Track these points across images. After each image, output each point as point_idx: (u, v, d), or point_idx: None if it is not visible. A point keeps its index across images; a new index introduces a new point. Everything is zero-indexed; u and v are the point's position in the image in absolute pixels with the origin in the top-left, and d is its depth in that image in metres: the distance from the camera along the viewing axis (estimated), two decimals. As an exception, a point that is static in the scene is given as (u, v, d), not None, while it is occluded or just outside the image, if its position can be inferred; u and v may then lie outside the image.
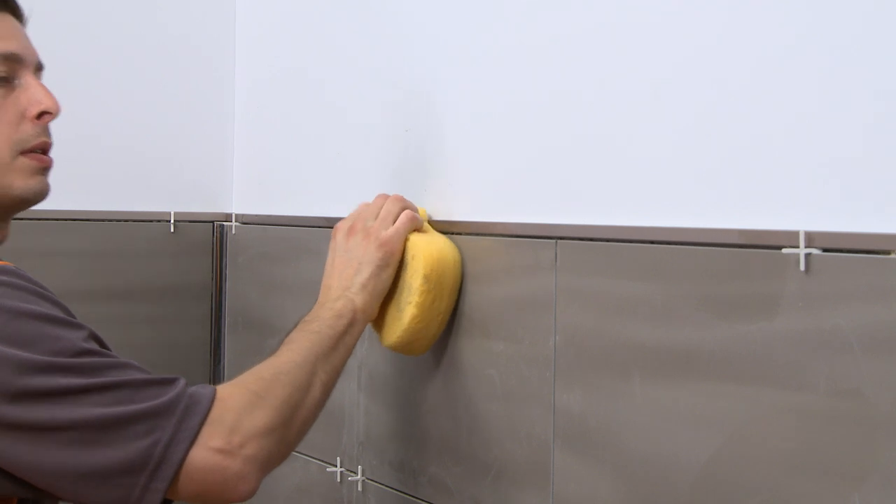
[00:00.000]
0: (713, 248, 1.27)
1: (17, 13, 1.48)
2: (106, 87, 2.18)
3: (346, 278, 1.60)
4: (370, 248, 1.61)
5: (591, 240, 1.42)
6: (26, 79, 1.45)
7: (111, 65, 2.22)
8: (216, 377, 2.30)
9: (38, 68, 1.48)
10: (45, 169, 1.46)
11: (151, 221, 2.28)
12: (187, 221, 2.30)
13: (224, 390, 1.37)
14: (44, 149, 1.46)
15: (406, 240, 1.63)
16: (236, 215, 2.29)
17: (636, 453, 1.34)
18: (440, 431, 1.66)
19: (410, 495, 1.72)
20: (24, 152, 1.44)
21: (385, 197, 1.67)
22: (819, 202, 1.17)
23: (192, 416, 1.32)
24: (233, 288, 2.29)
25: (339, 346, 1.53)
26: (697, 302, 1.27)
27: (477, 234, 1.62)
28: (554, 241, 1.46)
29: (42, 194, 1.47)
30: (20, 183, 1.44)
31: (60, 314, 1.34)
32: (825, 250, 1.15)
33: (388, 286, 1.62)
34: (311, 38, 2.09)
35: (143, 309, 2.26)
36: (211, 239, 2.31)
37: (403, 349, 1.65)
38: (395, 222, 1.63)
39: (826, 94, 1.17)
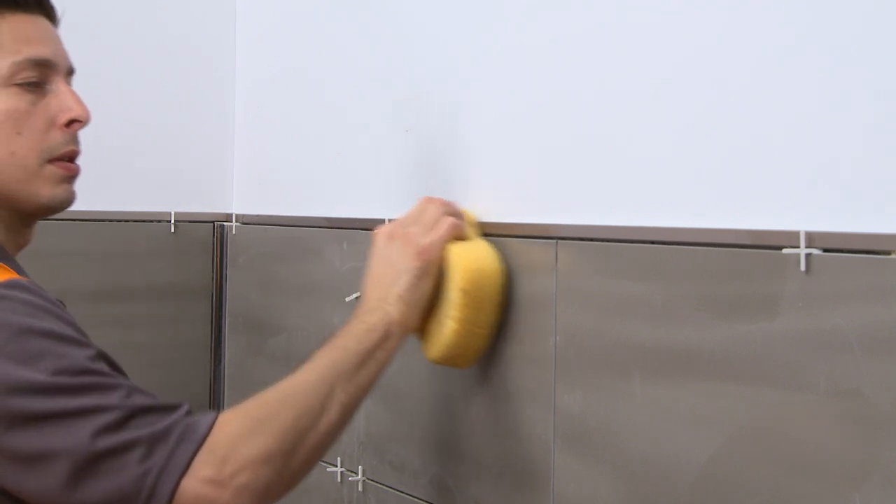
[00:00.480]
0: (713, 248, 1.26)
1: (50, 15, 1.47)
2: (106, 88, 2.18)
3: (383, 287, 1.51)
4: (408, 255, 1.52)
5: (592, 240, 1.42)
6: (57, 84, 1.44)
7: (111, 65, 2.22)
8: (216, 377, 2.31)
9: (70, 73, 1.47)
10: (72, 177, 1.45)
11: (152, 221, 2.28)
12: (188, 221, 2.30)
13: (224, 416, 1.32)
14: (71, 157, 1.45)
15: (446, 248, 1.54)
16: (237, 215, 2.29)
17: (636, 453, 1.34)
18: (441, 431, 1.66)
19: (411, 495, 1.72)
20: (51, 160, 1.43)
21: (428, 201, 1.58)
22: (819, 202, 1.17)
23: (186, 444, 1.27)
24: (233, 288, 2.29)
25: (368, 363, 1.44)
26: (697, 302, 1.27)
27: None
28: (554, 241, 1.46)
29: (68, 203, 1.46)
30: (47, 191, 1.43)
31: (68, 331, 1.31)
32: (825, 250, 1.15)
33: (429, 296, 1.53)
34: (311, 38, 2.09)
35: (144, 309, 2.26)
36: (211, 239, 2.31)
37: (447, 363, 1.57)
38: (439, 225, 1.54)
39: (826, 94, 1.17)
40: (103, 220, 2.24)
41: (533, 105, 1.54)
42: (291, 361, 2.05)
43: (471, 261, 1.51)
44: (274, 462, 1.31)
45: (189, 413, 1.31)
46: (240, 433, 1.30)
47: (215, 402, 2.30)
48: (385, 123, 1.85)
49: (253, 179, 2.29)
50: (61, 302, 1.39)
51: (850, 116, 1.15)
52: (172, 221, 2.28)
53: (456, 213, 1.58)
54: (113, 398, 1.27)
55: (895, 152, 1.11)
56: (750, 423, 1.21)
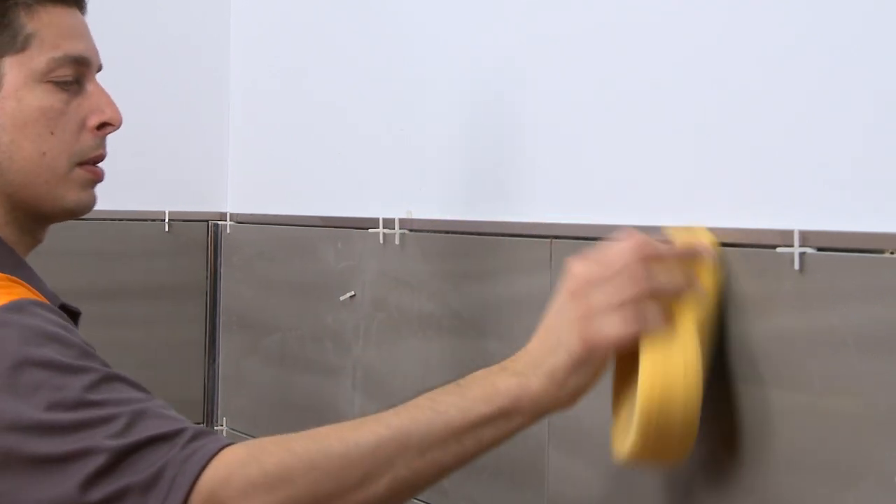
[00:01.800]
0: (708, 247, 1.26)
1: (83, 7, 1.41)
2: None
3: (543, 351, 1.18)
4: (574, 332, 1.16)
5: (587, 239, 1.42)
6: (91, 84, 1.39)
7: (104, 63, 2.21)
8: (210, 377, 2.30)
9: (99, 69, 1.42)
10: (97, 182, 1.41)
11: (146, 220, 2.28)
12: (182, 220, 2.30)
13: (231, 456, 1.14)
14: (99, 161, 1.40)
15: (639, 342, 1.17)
16: (231, 214, 2.29)
17: (631, 453, 1.34)
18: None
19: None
20: (81, 163, 1.38)
21: (636, 251, 1.18)
22: (814, 201, 1.17)
23: (175, 493, 1.11)
24: (227, 287, 2.29)
25: (465, 439, 1.14)
26: (692, 301, 1.27)
27: (471, 234, 1.62)
28: (549, 240, 1.46)
29: (90, 208, 1.41)
30: (73, 195, 1.38)
31: (67, 358, 1.20)
32: (820, 249, 1.15)
33: (593, 384, 1.19)
34: (306, 37, 2.09)
35: (138, 308, 2.26)
36: (205, 238, 2.31)
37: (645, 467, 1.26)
38: (626, 310, 1.16)
39: (822, 95, 1.17)
40: (97, 220, 2.24)
41: (529, 104, 1.54)
42: (286, 360, 2.05)
43: (656, 382, 1.15)
44: None
45: (194, 438, 1.16)
46: (242, 488, 1.12)
47: (209, 402, 2.30)
48: (379, 122, 1.85)
49: (247, 178, 2.29)
50: (71, 310, 1.35)
51: (845, 116, 1.15)
52: (167, 220, 2.28)
53: (680, 281, 1.18)
54: (107, 438, 1.15)
55: (890, 152, 1.11)
56: (745, 423, 1.21)
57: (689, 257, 1.20)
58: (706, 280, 1.20)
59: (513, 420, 1.16)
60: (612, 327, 1.16)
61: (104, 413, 1.17)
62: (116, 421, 1.16)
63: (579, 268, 1.19)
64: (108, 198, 2.25)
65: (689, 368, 1.16)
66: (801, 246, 1.16)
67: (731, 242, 1.24)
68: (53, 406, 1.17)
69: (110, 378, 1.22)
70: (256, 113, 2.26)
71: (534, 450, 1.47)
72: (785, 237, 1.17)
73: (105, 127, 1.40)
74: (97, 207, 2.18)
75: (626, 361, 1.22)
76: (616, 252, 1.18)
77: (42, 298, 1.31)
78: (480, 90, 1.62)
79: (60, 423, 1.16)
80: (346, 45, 1.95)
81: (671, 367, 1.16)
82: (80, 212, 1.40)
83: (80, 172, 1.38)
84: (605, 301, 1.16)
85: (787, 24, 1.21)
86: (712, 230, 1.25)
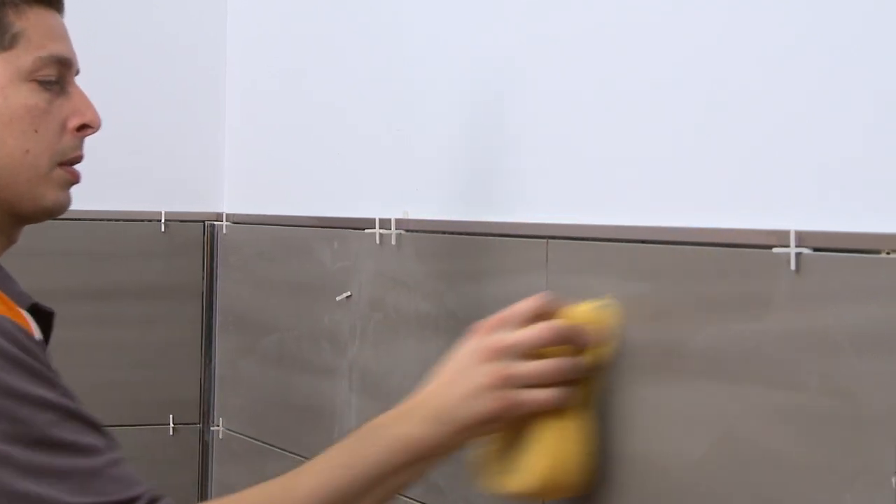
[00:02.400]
0: (704, 247, 1.26)
1: (61, 8, 1.41)
2: (95, 86, 2.17)
3: (444, 400, 1.30)
4: (488, 391, 1.29)
5: (582, 239, 1.42)
6: (71, 86, 1.40)
7: (100, 63, 2.21)
8: (207, 377, 2.30)
9: (77, 72, 1.42)
10: (74, 183, 1.40)
11: (142, 221, 2.28)
12: (178, 221, 2.29)
13: None
14: (77, 162, 1.40)
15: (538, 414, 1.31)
16: (227, 215, 2.29)
17: (627, 452, 1.34)
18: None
19: (401, 495, 1.72)
20: (61, 163, 1.38)
21: (550, 329, 1.31)
22: (810, 202, 1.17)
23: None
24: (224, 288, 2.28)
25: (378, 490, 1.28)
26: (688, 301, 1.27)
27: (467, 234, 1.62)
28: (544, 240, 1.46)
29: (66, 209, 1.41)
30: (52, 195, 1.37)
31: (32, 387, 1.21)
32: (816, 250, 1.15)
33: (483, 437, 1.34)
34: (303, 36, 2.09)
35: (134, 309, 2.26)
36: (202, 239, 2.31)
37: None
38: (541, 384, 1.30)
39: (819, 95, 1.17)
40: (94, 220, 2.24)
41: (526, 104, 1.54)
42: (283, 360, 2.05)
43: (556, 463, 1.31)
44: None
45: None
46: None
47: (206, 402, 2.30)
48: (376, 122, 1.85)
49: (244, 179, 2.29)
50: (43, 310, 1.35)
51: (843, 117, 1.15)
52: (163, 221, 2.28)
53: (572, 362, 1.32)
54: (65, 493, 1.18)
55: (886, 152, 1.11)
56: (740, 423, 1.21)
57: (576, 339, 1.32)
58: (595, 356, 1.33)
59: (420, 467, 1.31)
60: (531, 396, 1.29)
61: (60, 464, 1.19)
62: (73, 477, 1.19)
63: (488, 327, 1.33)
64: (105, 198, 2.27)
65: (583, 440, 1.32)
66: (797, 246, 1.16)
67: (727, 243, 1.24)
68: (12, 439, 1.18)
69: (73, 415, 1.23)
70: (253, 113, 2.26)
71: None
72: (781, 237, 1.17)
73: (85, 129, 1.41)
74: (94, 207, 2.20)
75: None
76: (529, 331, 1.31)
77: (7, 305, 1.30)
78: (477, 91, 1.62)
79: (17, 461, 1.18)
80: (344, 45, 1.95)
81: (565, 447, 1.31)
82: (57, 212, 1.40)
83: (59, 172, 1.38)
84: (524, 373, 1.29)
85: (787, 25, 1.21)
86: (709, 230, 1.25)
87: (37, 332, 1.33)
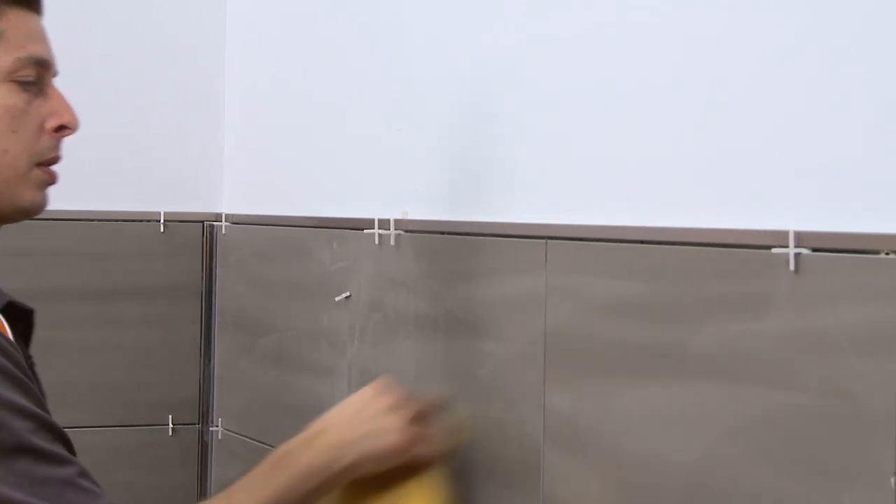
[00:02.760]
0: (703, 247, 1.26)
1: (40, 10, 1.41)
2: (95, 86, 2.18)
3: (358, 433, 1.49)
4: (391, 427, 1.49)
5: (581, 239, 1.42)
6: (50, 87, 1.39)
7: (100, 63, 2.22)
8: (206, 378, 2.30)
9: (55, 74, 1.42)
10: (51, 184, 1.40)
11: (141, 221, 2.28)
12: (177, 221, 2.29)
13: None
14: (54, 163, 1.40)
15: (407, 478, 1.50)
16: (226, 215, 2.29)
17: (626, 453, 1.34)
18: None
19: None
20: (39, 164, 1.38)
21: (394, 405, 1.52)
22: (809, 202, 1.17)
23: None
24: (223, 288, 2.28)
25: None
26: (687, 302, 1.27)
27: (466, 234, 1.62)
28: (544, 240, 1.46)
29: (43, 209, 1.40)
30: (30, 195, 1.37)
31: (11, 394, 1.22)
32: (815, 250, 1.15)
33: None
34: (302, 37, 2.09)
35: (134, 309, 2.26)
36: (201, 239, 2.31)
37: None
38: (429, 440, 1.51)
39: (818, 96, 1.17)
40: (93, 220, 2.24)
41: (525, 104, 1.54)
42: (282, 361, 2.05)
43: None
44: None
45: None
46: None
47: (205, 402, 2.30)
48: (375, 123, 1.85)
49: (243, 179, 2.29)
50: (21, 308, 1.36)
51: (842, 117, 1.15)
52: (162, 221, 2.28)
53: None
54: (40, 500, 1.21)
55: (886, 152, 1.11)
56: (739, 423, 1.21)
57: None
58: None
59: (324, 491, 1.46)
60: (427, 443, 1.49)
61: (43, 472, 1.21)
62: (49, 486, 1.21)
63: (392, 393, 1.51)
64: (103, 198, 2.27)
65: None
66: (796, 247, 1.16)
67: (726, 243, 1.24)
68: None
69: (45, 424, 1.25)
70: (252, 113, 2.26)
71: (529, 449, 1.47)
72: (780, 238, 1.17)
73: (62, 130, 1.40)
74: (93, 207, 2.19)
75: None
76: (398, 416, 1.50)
77: None
78: (477, 91, 1.62)
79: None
80: (343, 46, 1.95)
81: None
82: (33, 212, 1.40)
83: (37, 173, 1.38)
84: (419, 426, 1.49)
85: (787, 25, 1.21)
86: (708, 231, 1.25)
87: (10, 332, 1.32)
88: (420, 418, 1.51)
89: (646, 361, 1.31)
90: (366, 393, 1.52)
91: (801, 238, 1.16)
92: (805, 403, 1.15)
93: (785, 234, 1.16)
